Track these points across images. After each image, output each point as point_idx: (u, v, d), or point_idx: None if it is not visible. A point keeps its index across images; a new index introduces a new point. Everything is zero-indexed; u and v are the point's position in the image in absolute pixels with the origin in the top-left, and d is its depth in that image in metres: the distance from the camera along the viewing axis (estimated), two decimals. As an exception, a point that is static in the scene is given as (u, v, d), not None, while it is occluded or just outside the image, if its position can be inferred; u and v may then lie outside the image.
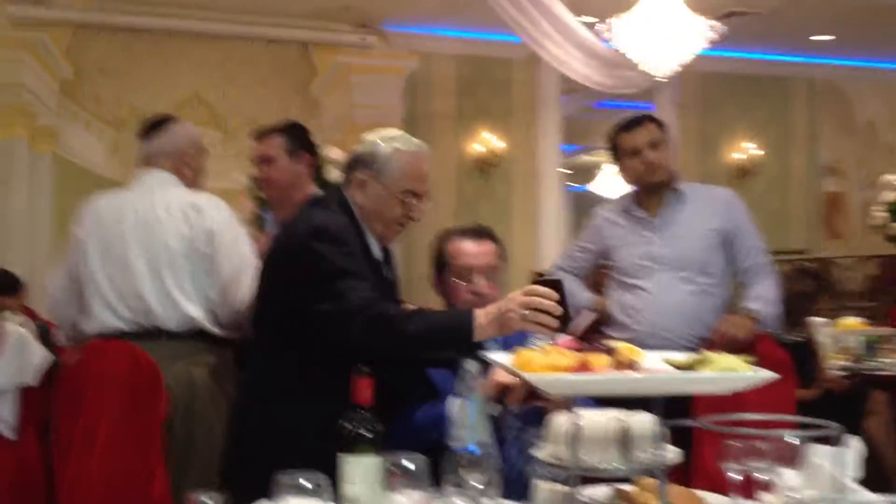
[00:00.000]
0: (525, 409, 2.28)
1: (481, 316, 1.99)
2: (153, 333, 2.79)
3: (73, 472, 2.58)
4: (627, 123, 3.16)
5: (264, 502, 1.50)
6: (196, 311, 2.80)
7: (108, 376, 2.61)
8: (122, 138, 9.08)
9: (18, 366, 3.19)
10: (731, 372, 1.23)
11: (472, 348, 1.98)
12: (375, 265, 2.32)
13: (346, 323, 2.09)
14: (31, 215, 8.76)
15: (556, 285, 1.94)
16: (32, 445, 3.27)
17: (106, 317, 2.80)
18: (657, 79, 6.97)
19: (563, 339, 2.33)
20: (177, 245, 2.79)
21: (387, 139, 2.32)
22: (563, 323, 1.93)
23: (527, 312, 1.92)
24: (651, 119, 3.19)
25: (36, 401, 3.29)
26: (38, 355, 3.25)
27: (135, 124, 3.42)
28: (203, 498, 1.57)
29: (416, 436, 2.20)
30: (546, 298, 1.90)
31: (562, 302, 1.90)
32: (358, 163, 2.32)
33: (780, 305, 3.08)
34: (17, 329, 3.27)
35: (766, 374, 1.26)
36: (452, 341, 2.03)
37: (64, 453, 2.61)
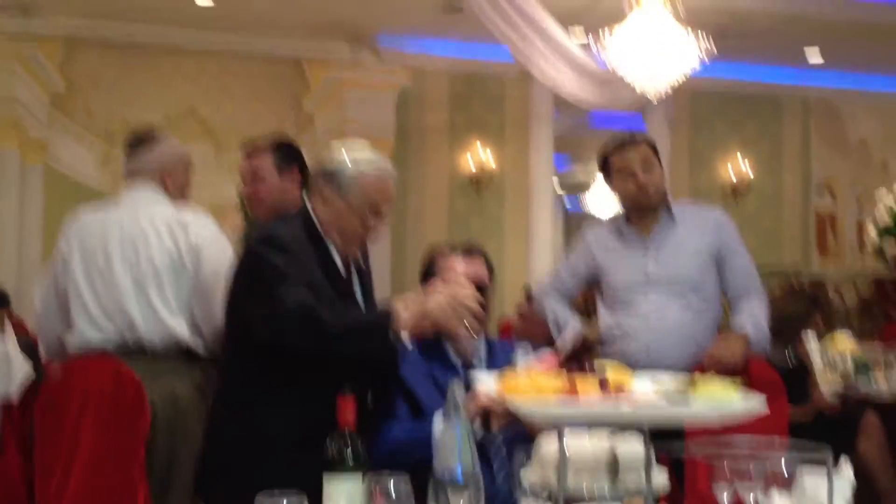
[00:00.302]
0: (509, 432, 2.26)
1: (403, 311, 2.05)
2: (137, 349, 2.76)
3: (55, 488, 2.55)
4: (619, 144, 3.12)
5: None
6: (180, 328, 2.77)
7: (91, 392, 2.57)
8: (114, 151, 9.05)
9: (0, 380, 3.15)
10: (722, 403, 1.20)
11: (392, 345, 2.05)
12: (336, 276, 2.32)
13: (279, 326, 2.15)
14: (22, 226, 8.74)
15: (480, 289, 2.03)
16: (14, 460, 3.23)
17: (89, 332, 2.77)
18: (648, 97, 6.99)
19: (545, 354, 2.32)
20: (161, 261, 2.77)
21: (354, 160, 2.33)
22: (481, 326, 2.04)
23: (447, 308, 1.98)
24: (643, 139, 3.15)
25: (18, 415, 3.25)
26: (21, 369, 3.21)
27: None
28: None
29: (395, 455, 2.18)
30: (470, 300, 1.99)
31: (484, 306, 2.01)
32: (322, 177, 2.34)
33: (769, 326, 3.05)
34: None
35: (756, 405, 1.23)
36: (375, 337, 2.07)
37: (46, 469, 2.57)
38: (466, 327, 2.01)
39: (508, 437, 2.32)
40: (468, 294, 2.00)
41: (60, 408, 2.55)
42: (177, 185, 2.95)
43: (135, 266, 2.77)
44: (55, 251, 2.92)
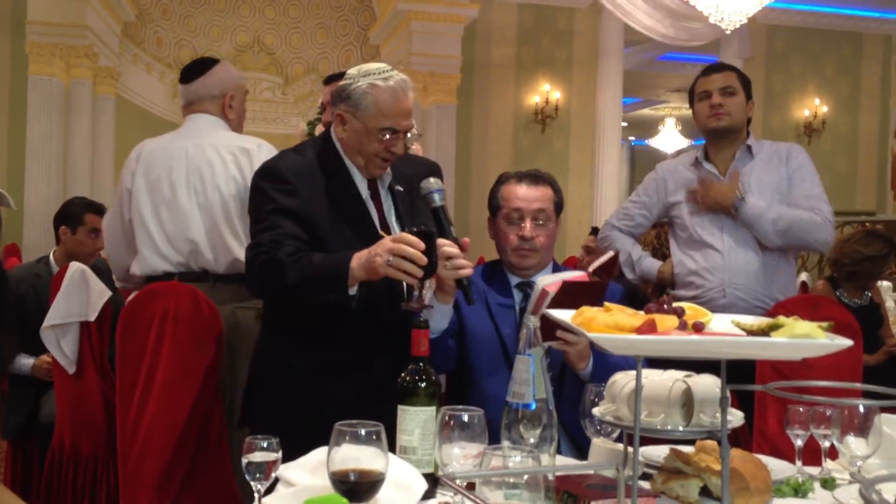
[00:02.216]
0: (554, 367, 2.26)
1: (354, 260, 2.06)
2: (201, 276, 2.82)
3: (135, 408, 2.62)
4: (708, 68, 3.13)
5: (322, 448, 1.50)
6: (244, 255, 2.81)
7: (169, 316, 2.63)
8: (183, 81, 9.15)
9: (78, 301, 3.24)
10: (806, 339, 1.18)
11: (346, 296, 2.07)
12: (352, 202, 2.29)
13: (248, 266, 2.20)
14: (94, 156, 8.91)
15: (427, 237, 2.00)
16: (93, 380, 3.33)
17: (154, 260, 2.84)
18: (723, 31, 6.79)
19: (574, 274, 2.31)
20: (228, 189, 2.81)
21: (365, 74, 2.26)
22: (428, 274, 2.02)
23: (391, 259, 1.98)
24: (733, 69, 3.14)
25: (96, 337, 3.34)
26: (98, 292, 3.29)
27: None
28: (261, 442, 1.59)
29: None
30: (413, 248, 1.97)
31: (428, 253, 1.99)
32: (338, 98, 2.28)
33: (788, 234, 2.93)
34: (78, 265, 3.31)
35: (841, 342, 1.20)
36: (330, 285, 2.09)
37: (126, 390, 2.65)
38: (408, 278, 2.01)
39: (556, 373, 2.31)
40: (412, 241, 1.98)
41: (140, 331, 2.62)
42: (235, 112, 2.96)
43: (201, 194, 2.82)
44: (119, 183, 2.97)
